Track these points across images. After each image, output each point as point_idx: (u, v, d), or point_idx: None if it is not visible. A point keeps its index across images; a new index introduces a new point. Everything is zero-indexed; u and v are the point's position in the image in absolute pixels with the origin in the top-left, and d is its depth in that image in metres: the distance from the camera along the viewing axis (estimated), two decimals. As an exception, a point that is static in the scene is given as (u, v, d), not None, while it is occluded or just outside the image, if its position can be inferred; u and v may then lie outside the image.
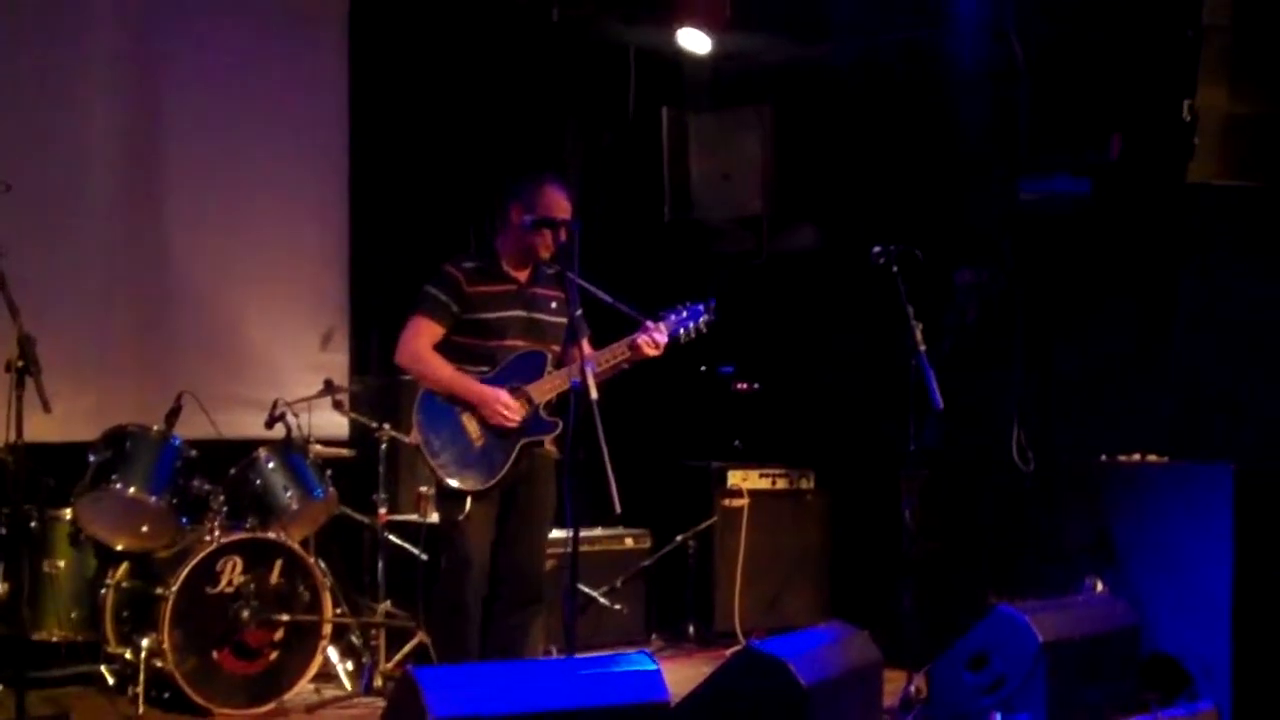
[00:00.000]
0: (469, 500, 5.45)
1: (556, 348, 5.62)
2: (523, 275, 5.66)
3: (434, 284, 5.57)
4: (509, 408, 5.46)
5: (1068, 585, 6.53)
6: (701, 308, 5.71)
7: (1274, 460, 6.51)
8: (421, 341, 5.53)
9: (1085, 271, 7.33)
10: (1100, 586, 6.46)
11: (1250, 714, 6.18)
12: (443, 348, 5.55)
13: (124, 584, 6.20)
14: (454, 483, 5.44)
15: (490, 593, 5.54)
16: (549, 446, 5.61)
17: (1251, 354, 6.85)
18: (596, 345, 5.56)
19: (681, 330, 5.65)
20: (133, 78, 7.11)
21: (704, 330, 5.71)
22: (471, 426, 5.47)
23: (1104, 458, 6.73)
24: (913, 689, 5.98)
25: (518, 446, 5.50)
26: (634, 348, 5.55)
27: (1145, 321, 7.19)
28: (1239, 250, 6.92)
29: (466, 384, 5.49)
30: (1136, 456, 6.67)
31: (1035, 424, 7.24)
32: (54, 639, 6.17)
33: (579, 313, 5.51)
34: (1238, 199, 6.63)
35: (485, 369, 5.53)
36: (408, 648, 6.54)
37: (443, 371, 5.51)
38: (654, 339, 5.55)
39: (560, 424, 5.55)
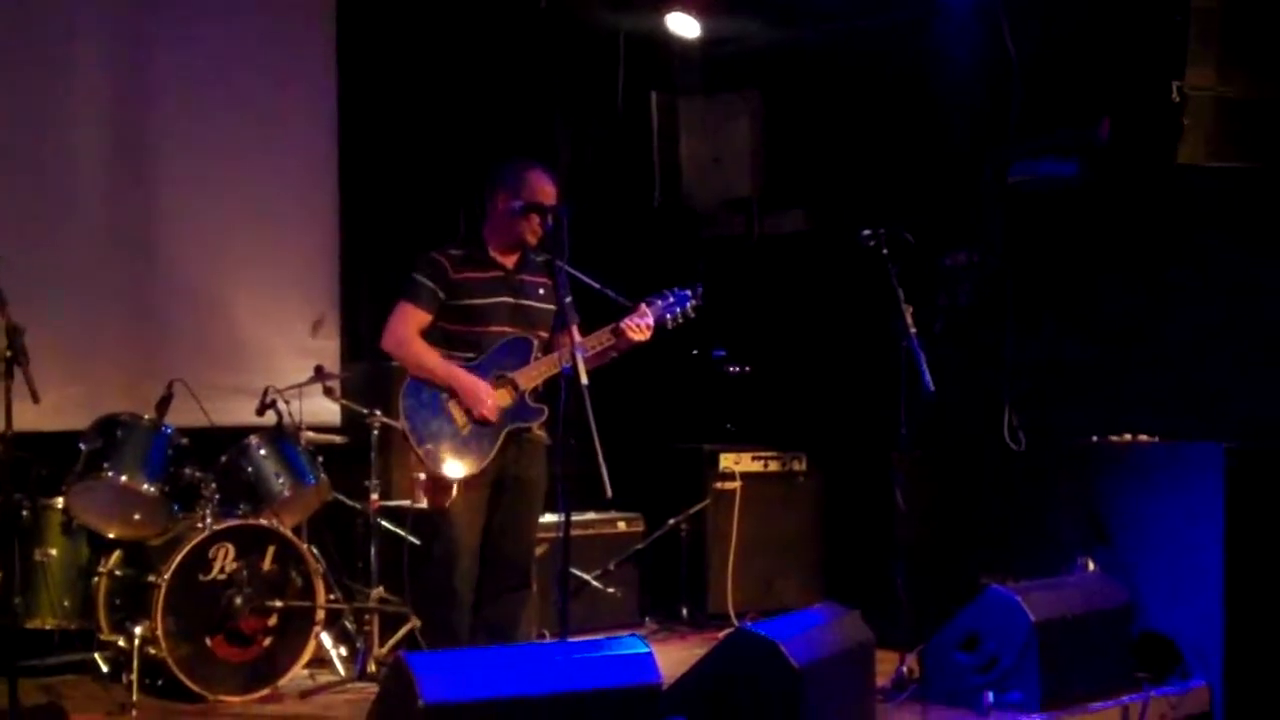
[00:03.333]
0: (455, 486, 5.45)
1: (544, 334, 5.63)
2: (510, 261, 5.66)
3: (419, 270, 5.57)
4: (490, 399, 5.47)
5: (1059, 565, 6.54)
6: (688, 293, 5.71)
7: (1265, 439, 6.53)
8: (407, 327, 5.53)
9: (1076, 253, 7.33)
10: (1092, 566, 6.48)
11: (1242, 692, 6.20)
12: (430, 334, 5.55)
13: (116, 572, 6.19)
14: (440, 469, 5.44)
15: (480, 577, 5.54)
16: (538, 431, 5.62)
17: (1241, 333, 6.86)
18: (584, 331, 5.57)
19: (668, 315, 5.65)
20: (121, 68, 7.10)
21: (691, 315, 5.71)
22: (458, 413, 5.47)
23: (1095, 438, 6.74)
24: (905, 669, 6.00)
25: (504, 433, 5.50)
26: (618, 333, 5.55)
27: (1136, 302, 7.20)
28: (1228, 231, 6.93)
29: (450, 371, 5.49)
30: (1128, 436, 6.68)
31: (1026, 405, 7.26)
32: (47, 627, 6.16)
33: (569, 299, 5.52)
34: (1227, 180, 6.64)
35: (472, 355, 5.53)
36: (401, 633, 6.55)
37: (427, 357, 5.51)
38: (639, 324, 5.55)
39: (546, 410, 5.56)
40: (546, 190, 5.59)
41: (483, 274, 5.60)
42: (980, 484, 7.41)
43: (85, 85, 6.98)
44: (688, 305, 5.70)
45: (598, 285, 5.49)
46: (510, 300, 5.61)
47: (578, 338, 5.47)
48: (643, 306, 5.60)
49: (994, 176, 7.44)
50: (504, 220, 5.61)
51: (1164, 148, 6.54)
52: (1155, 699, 5.99)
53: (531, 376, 5.54)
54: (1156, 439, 6.65)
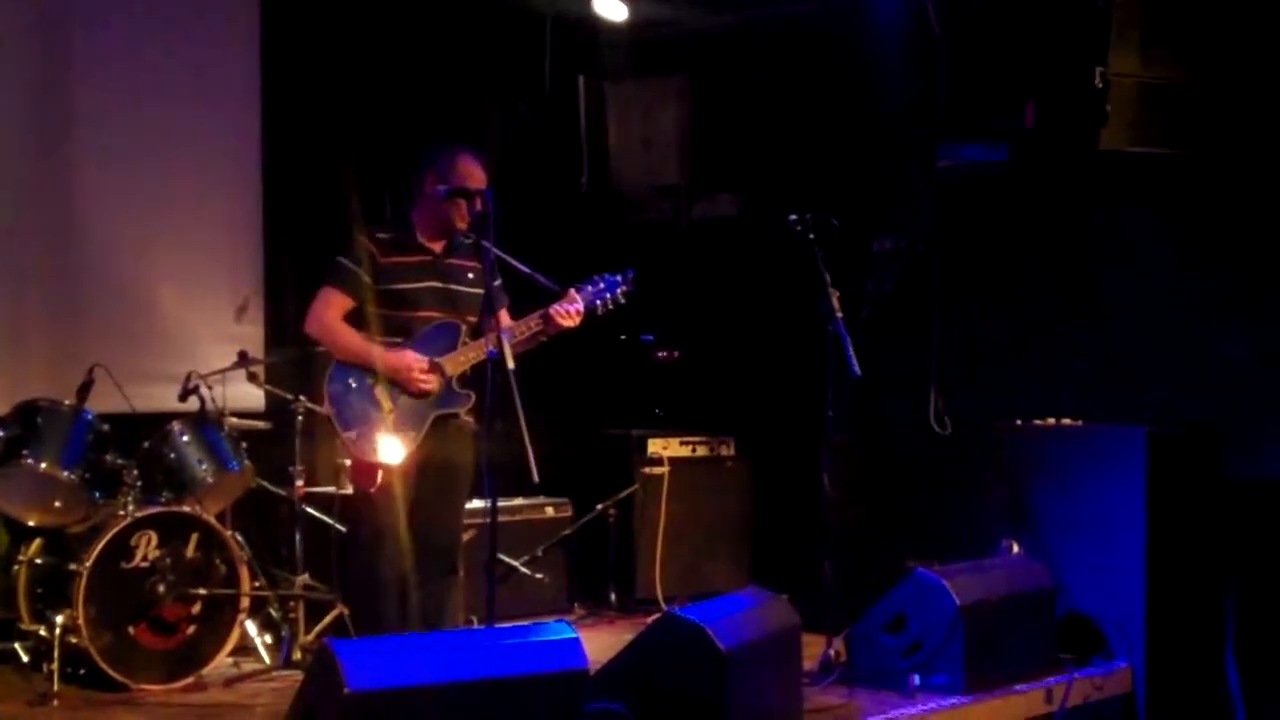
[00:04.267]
0: (381, 472, 5.41)
1: (472, 319, 5.58)
2: (438, 246, 5.62)
3: (345, 254, 5.52)
4: (424, 372, 5.43)
5: (984, 548, 6.59)
6: (619, 279, 5.69)
7: (1186, 423, 6.60)
8: (330, 312, 5.49)
9: (1002, 238, 7.38)
10: (1016, 549, 6.54)
11: (1163, 673, 6.29)
12: (356, 319, 5.50)
13: (37, 560, 6.11)
14: (365, 455, 5.40)
15: (408, 564, 5.51)
16: (465, 417, 5.58)
17: (1164, 318, 6.93)
18: (513, 316, 5.54)
19: (598, 302, 5.63)
20: (40, 49, 6.97)
21: (622, 302, 5.69)
22: (384, 398, 5.43)
23: (1020, 422, 6.80)
24: (832, 652, 6.03)
25: (430, 419, 5.47)
26: (547, 319, 5.52)
27: (1060, 287, 7.26)
28: (1152, 216, 6.99)
29: (377, 352, 5.45)
30: (1052, 420, 6.74)
31: (952, 389, 7.30)
32: (-35, 617, 6.09)
33: (497, 283, 5.50)
34: (1150, 166, 6.70)
35: (400, 340, 5.49)
36: (327, 620, 6.49)
37: (350, 340, 5.47)
38: (568, 310, 5.52)
39: (473, 396, 5.53)
40: (475, 174, 5.55)
41: (411, 258, 5.55)
42: (906, 468, 7.46)
43: (3, 68, 6.86)
44: (618, 291, 5.68)
45: (527, 270, 5.47)
46: (439, 285, 5.56)
47: (506, 322, 5.45)
48: (572, 292, 5.58)
49: (921, 162, 7.47)
50: (432, 204, 5.57)
51: (1087, 134, 6.58)
52: (1079, 680, 6.05)
53: (459, 363, 5.51)
54: (1080, 423, 6.71)
